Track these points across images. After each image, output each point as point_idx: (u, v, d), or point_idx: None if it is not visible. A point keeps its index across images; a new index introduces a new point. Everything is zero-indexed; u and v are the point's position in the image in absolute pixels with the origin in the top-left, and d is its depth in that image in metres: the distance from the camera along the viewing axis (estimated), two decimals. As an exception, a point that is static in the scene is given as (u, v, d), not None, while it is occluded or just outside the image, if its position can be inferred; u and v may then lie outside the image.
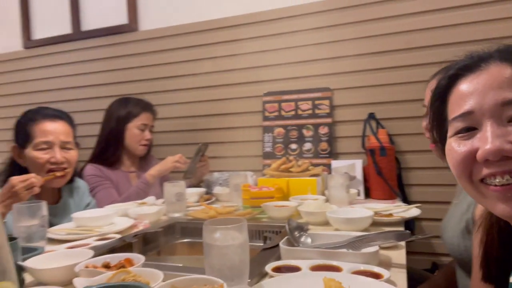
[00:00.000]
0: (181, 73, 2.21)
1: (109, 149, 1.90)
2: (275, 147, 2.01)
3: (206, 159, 1.96)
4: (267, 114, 2.04)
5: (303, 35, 1.98)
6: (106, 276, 0.70)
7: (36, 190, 1.25)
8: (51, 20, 2.54)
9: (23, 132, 1.47)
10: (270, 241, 1.02)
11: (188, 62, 2.20)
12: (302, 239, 0.99)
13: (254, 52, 2.07)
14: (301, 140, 1.98)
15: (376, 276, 0.74)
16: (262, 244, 1.13)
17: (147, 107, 1.99)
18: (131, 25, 2.30)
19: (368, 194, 1.77)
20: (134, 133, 1.92)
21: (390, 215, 1.27)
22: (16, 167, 1.47)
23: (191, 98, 2.19)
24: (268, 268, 0.81)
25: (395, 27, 1.83)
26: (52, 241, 1.14)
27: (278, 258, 0.91)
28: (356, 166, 1.80)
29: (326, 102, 1.95)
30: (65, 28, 2.49)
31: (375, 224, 1.19)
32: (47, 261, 0.82)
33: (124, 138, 1.91)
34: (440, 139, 0.62)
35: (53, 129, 1.47)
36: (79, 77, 2.45)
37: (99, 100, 2.34)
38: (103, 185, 1.79)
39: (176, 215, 1.43)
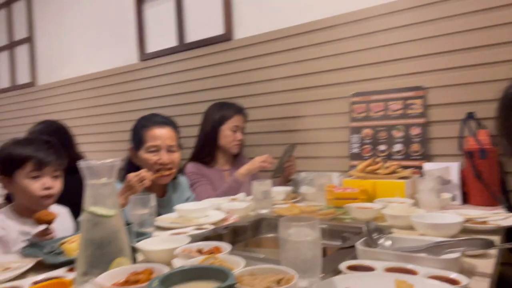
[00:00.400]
0: (271, 77, 2.32)
1: (205, 149, 2.11)
2: (362, 148, 1.99)
3: (294, 159, 2.04)
4: (354, 115, 2.04)
5: (392, 33, 1.92)
6: (198, 259, 0.83)
7: (147, 183, 1.48)
8: (161, 35, 2.89)
9: (137, 137, 1.75)
10: (349, 241, 1.05)
11: (277, 66, 2.30)
12: (381, 241, 1.00)
13: (342, 53, 2.07)
14: (390, 141, 1.93)
15: (453, 282, 0.73)
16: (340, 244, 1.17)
17: (239, 110, 2.15)
18: (227, 35, 2.50)
19: (466, 200, 1.65)
20: (227, 135, 2.10)
21: (485, 222, 1.19)
22: (133, 166, 1.74)
23: (280, 100, 2.29)
24: (343, 266, 0.85)
25: (499, 19, 1.67)
26: (159, 228, 1.34)
27: (355, 258, 0.93)
28: (452, 169, 1.69)
29: (419, 101, 1.86)
30: (172, 41, 2.81)
31: (466, 231, 1.13)
32: (154, 244, 0.99)
33: (218, 139, 2.10)
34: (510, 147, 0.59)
35: (161, 134, 1.71)
36: (182, 85, 2.74)
37: (199, 104, 2.59)
38: (200, 181, 2.00)
39: (263, 211, 1.54)
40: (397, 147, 1.90)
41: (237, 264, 0.80)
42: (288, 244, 0.76)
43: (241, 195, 1.79)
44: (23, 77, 4.04)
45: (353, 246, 0.96)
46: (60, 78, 3.62)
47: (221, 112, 2.14)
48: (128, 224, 0.95)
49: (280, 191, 1.83)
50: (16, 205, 1.41)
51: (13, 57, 4.17)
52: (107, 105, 3.23)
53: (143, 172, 1.48)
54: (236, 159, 2.23)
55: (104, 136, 3.29)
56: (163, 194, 1.80)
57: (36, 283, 0.82)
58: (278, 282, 0.67)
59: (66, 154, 2.41)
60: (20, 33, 4.05)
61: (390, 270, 0.82)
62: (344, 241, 1.12)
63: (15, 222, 1.36)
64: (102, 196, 0.82)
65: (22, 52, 4.06)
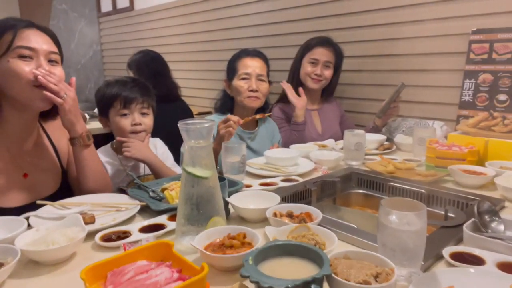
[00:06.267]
0: (376, 7, 2.04)
1: (292, 84, 2.01)
2: (476, 97, 1.73)
3: (399, 101, 1.86)
4: (472, 56, 1.73)
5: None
6: (289, 227, 0.82)
7: (232, 130, 1.45)
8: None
9: (231, 68, 1.81)
10: (453, 217, 0.96)
11: (382, -6, 2.01)
12: (494, 224, 0.89)
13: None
14: (514, 91, 1.63)
15: None
16: (442, 214, 1.07)
17: (323, 42, 1.98)
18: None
19: None
20: (304, 66, 2.00)
21: None
22: (227, 96, 1.85)
23: (381, 35, 2.04)
24: (446, 252, 0.78)
25: None
26: (248, 174, 1.37)
27: (459, 240, 0.85)
28: None
29: None
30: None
31: None
32: (245, 199, 1.01)
33: (299, 72, 2.01)
34: None
35: (252, 64, 1.77)
36: (276, 13, 2.57)
37: (292, 36, 2.45)
38: (283, 127, 1.97)
39: (354, 163, 1.47)
40: (522, 98, 1.61)
41: (330, 239, 0.78)
42: (387, 230, 0.71)
43: (330, 142, 1.73)
44: (122, 1, 4.19)
45: (459, 225, 0.87)
46: (155, 3, 3.67)
47: (306, 42, 2.02)
48: (221, 179, 0.97)
49: (372, 140, 1.72)
50: (115, 143, 1.53)
51: (112, -20, 4.31)
52: (199, 32, 3.23)
53: (229, 117, 1.48)
54: (326, 98, 2.12)
55: (195, 64, 3.36)
56: (254, 127, 1.85)
57: (142, 229, 0.90)
58: (376, 276, 0.63)
59: (162, 82, 2.54)
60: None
61: (504, 266, 0.73)
62: (446, 215, 1.02)
63: (113, 159, 1.49)
64: (200, 157, 0.83)
65: (120, -26, 4.16)
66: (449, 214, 1.02)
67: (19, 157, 1.11)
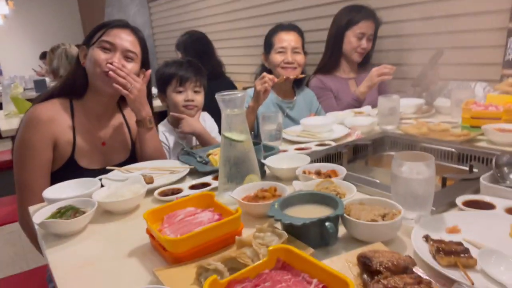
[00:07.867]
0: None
1: (329, 55, 2.08)
2: (521, 55, 1.67)
3: (438, 67, 1.85)
4: (517, 12, 1.67)
5: None
6: (315, 182, 0.94)
7: (268, 86, 1.55)
8: None
9: (267, 42, 1.93)
10: (474, 172, 1.01)
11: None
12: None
13: None
14: (563, 45, 1.56)
15: None
16: (467, 169, 1.12)
17: (368, 15, 1.99)
18: None
19: None
20: (351, 41, 2.03)
21: None
22: (265, 69, 1.96)
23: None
24: (459, 200, 0.85)
25: None
26: (285, 140, 1.49)
27: (477, 191, 0.91)
28: None
29: None
30: None
31: None
32: (279, 161, 1.14)
33: (342, 45, 2.04)
34: None
35: (287, 38, 1.87)
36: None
37: (329, 6, 2.47)
38: (324, 96, 2.04)
39: (388, 127, 1.52)
40: None
41: (349, 191, 0.89)
42: (398, 180, 0.80)
43: (366, 108, 1.78)
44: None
45: (477, 178, 0.93)
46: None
47: (349, 15, 2.04)
48: (256, 144, 1.10)
49: (409, 104, 1.74)
50: (170, 117, 1.72)
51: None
52: (239, 10, 3.33)
53: (265, 74, 1.58)
54: (363, 67, 2.14)
55: (238, 41, 3.47)
56: (293, 96, 1.96)
57: (192, 186, 1.07)
58: (383, 216, 0.73)
59: (207, 61, 2.69)
60: None
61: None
62: (471, 170, 1.07)
63: (171, 134, 1.69)
64: (235, 124, 0.97)
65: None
66: (474, 170, 1.07)
67: (98, 129, 1.34)
